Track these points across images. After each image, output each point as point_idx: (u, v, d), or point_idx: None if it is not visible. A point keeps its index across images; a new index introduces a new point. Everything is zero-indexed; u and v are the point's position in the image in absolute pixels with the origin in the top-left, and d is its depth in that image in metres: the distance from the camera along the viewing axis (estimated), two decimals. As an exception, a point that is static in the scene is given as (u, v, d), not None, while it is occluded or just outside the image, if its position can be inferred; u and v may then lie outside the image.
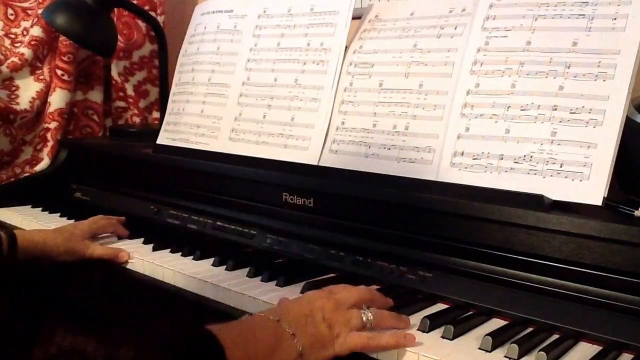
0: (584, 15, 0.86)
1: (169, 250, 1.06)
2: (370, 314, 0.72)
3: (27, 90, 1.51)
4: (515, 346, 0.68)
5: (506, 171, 0.86)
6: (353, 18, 1.11)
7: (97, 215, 1.17)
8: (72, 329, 0.54)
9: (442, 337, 0.73)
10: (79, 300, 1.05)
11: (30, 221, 1.27)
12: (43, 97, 1.53)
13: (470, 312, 0.80)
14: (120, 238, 1.14)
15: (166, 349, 0.57)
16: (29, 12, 1.57)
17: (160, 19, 1.66)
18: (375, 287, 0.90)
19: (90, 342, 0.53)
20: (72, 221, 1.23)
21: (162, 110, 1.50)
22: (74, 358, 0.51)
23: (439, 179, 0.91)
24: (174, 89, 1.37)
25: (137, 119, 1.72)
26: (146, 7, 1.64)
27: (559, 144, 0.83)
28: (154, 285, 0.97)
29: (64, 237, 1.06)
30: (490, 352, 0.69)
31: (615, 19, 0.83)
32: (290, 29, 1.18)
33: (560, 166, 0.82)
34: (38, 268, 1.01)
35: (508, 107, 0.88)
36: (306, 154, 1.08)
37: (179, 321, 0.96)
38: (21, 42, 1.54)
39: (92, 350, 0.52)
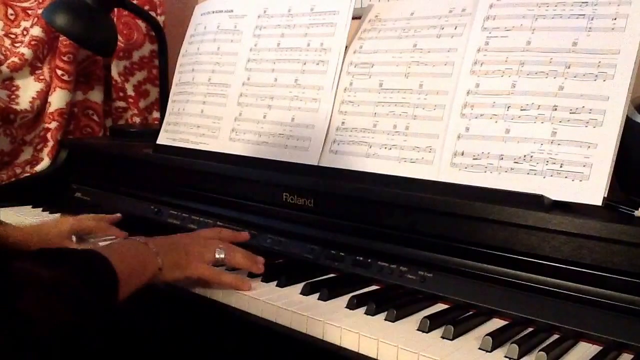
0: (584, 15, 0.86)
1: (169, 250, 1.05)
2: (223, 253, 0.90)
3: (27, 90, 1.52)
4: (515, 346, 0.68)
5: (506, 171, 0.86)
6: (353, 18, 1.11)
7: (97, 215, 1.16)
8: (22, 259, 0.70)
9: (442, 337, 0.73)
10: None
11: (31, 221, 1.26)
12: (43, 97, 1.53)
13: (470, 312, 0.80)
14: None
15: (79, 267, 0.73)
16: (29, 12, 1.57)
17: (160, 19, 1.66)
18: (375, 287, 0.90)
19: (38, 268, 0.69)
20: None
21: (162, 110, 1.50)
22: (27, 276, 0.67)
23: (439, 179, 0.91)
24: (174, 89, 1.37)
25: (137, 119, 1.72)
26: (146, 7, 1.64)
27: (559, 144, 0.83)
28: (153, 284, 0.97)
29: (40, 237, 1.04)
30: (490, 352, 0.69)
31: (615, 19, 0.83)
32: (290, 29, 1.18)
33: (560, 166, 0.82)
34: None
35: (508, 107, 0.88)
36: (306, 154, 1.08)
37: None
38: (21, 42, 1.54)
39: (41, 273, 0.68)
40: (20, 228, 1.07)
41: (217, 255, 0.90)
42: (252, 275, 0.92)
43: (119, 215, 1.18)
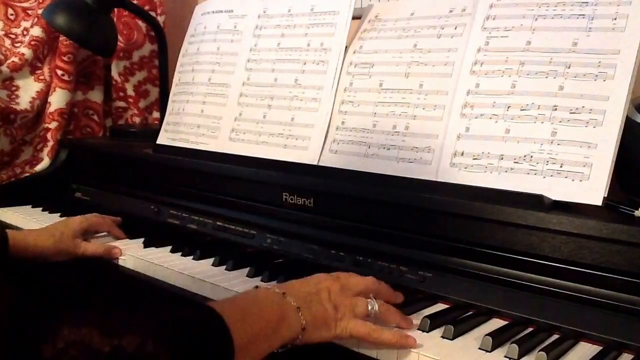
0: (584, 15, 0.86)
1: (169, 249, 1.06)
2: (376, 305, 0.72)
3: (27, 90, 1.51)
4: (515, 346, 0.68)
5: (506, 171, 0.86)
6: (353, 18, 1.11)
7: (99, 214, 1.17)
8: (74, 321, 0.53)
9: (442, 337, 0.73)
10: (78, 298, 1.05)
11: (30, 221, 1.27)
12: (43, 97, 1.53)
13: (470, 312, 0.80)
14: (117, 239, 1.14)
15: (170, 332, 0.56)
16: (29, 12, 1.57)
17: (160, 19, 1.66)
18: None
19: (94, 334, 0.52)
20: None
21: (162, 110, 1.50)
22: (80, 351, 0.51)
23: (439, 179, 0.91)
24: (174, 89, 1.37)
25: (137, 119, 1.72)
26: (146, 7, 1.64)
27: (559, 144, 0.83)
28: (154, 285, 0.97)
29: (55, 238, 1.05)
30: (490, 352, 0.69)
31: (615, 19, 0.83)
32: (290, 29, 1.18)
33: (561, 166, 0.82)
34: (32, 267, 1.01)
35: (508, 107, 0.88)
36: (306, 154, 1.08)
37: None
38: (21, 42, 1.54)
39: (97, 342, 0.52)
40: (36, 231, 1.08)
41: (370, 307, 0.73)
42: (251, 276, 0.92)
43: (119, 219, 1.18)
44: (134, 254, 1.04)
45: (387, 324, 0.74)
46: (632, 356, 0.69)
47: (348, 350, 0.74)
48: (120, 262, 1.05)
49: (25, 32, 1.55)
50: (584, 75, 0.83)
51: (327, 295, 0.71)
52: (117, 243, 1.11)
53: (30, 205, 1.39)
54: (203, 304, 0.61)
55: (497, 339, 0.70)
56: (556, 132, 0.83)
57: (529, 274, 0.79)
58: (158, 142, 1.34)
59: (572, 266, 0.75)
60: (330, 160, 1.05)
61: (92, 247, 1.07)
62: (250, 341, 0.59)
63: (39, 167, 1.51)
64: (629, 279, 0.71)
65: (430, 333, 0.74)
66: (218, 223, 1.14)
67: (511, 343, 0.69)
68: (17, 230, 1.07)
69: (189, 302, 0.66)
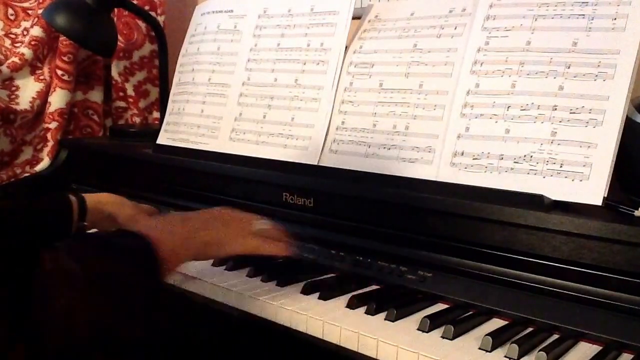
0: (584, 15, 0.86)
1: (169, 250, 1.06)
2: (264, 225, 0.91)
3: (27, 90, 1.51)
4: (515, 346, 0.68)
5: (506, 171, 0.86)
6: (353, 18, 1.11)
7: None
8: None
9: (442, 337, 0.73)
10: None
11: (30, 221, 1.27)
12: (43, 97, 1.53)
13: (470, 312, 0.80)
14: None
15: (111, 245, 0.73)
16: (29, 12, 1.57)
17: (160, 19, 1.66)
18: (375, 287, 0.90)
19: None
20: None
21: (162, 110, 1.50)
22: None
23: (439, 179, 0.91)
24: (174, 89, 1.37)
25: (137, 119, 1.72)
26: (146, 7, 1.64)
27: (559, 144, 0.83)
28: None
29: (130, 205, 1.08)
30: (490, 352, 0.69)
31: (615, 19, 0.83)
32: (290, 29, 1.18)
33: (560, 166, 0.82)
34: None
35: (508, 107, 0.88)
36: (306, 154, 1.08)
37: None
38: (21, 42, 1.54)
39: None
40: (111, 195, 1.10)
41: (257, 227, 0.90)
42: (251, 276, 0.92)
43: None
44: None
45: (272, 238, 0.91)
46: (632, 356, 0.69)
47: (349, 350, 0.74)
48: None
49: (25, 32, 1.55)
50: (584, 75, 0.83)
51: (221, 220, 0.88)
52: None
53: (30, 205, 1.39)
54: (136, 237, 0.76)
55: (497, 339, 0.71)
56: (556, 132, 0.83)
57: (529, 274, 0.79)
58: (158, 142, 1.34)
59: (572, 266, 0.75)
60: (330, 160, 1.05)
61: None
62: (169, 255, 0.76)
63: (39, 167, 1.52)
64: (629, 279, 0.71)
65: (430, 333, 0.74)
66: (218, 223, 1.14)
67: (511, 343, 0.69)
68: (93, 194, 1.07)
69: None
